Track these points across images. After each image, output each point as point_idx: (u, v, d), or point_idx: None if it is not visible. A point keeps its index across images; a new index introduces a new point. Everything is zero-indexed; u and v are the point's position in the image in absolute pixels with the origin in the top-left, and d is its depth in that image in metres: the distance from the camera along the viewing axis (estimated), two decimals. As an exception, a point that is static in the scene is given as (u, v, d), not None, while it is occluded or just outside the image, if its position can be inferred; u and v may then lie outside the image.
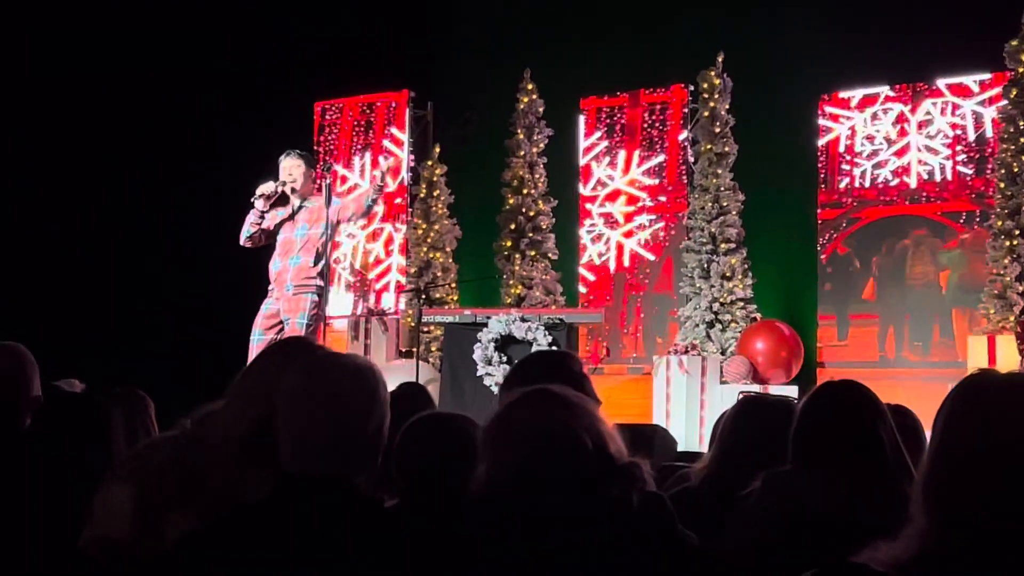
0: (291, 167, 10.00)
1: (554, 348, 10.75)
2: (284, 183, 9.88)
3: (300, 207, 9.94)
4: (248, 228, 10.04)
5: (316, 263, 9.72)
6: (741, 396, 4.26)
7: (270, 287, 9.98)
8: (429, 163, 14.54)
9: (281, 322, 9.77)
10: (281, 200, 9.96)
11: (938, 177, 12.27)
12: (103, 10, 14.68)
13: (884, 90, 12.65)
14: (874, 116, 12.66)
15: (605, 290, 13.89)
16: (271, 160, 15.18)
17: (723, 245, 12.69)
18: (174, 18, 15.41)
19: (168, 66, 15.42)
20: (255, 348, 9.60)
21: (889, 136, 12.52)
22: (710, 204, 12.75)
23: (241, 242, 10.22)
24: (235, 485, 2.97)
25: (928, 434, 2.32)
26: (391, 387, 3.54)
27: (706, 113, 12.97)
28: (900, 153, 12.48)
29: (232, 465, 3.04)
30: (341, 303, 14.84)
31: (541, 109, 14.12)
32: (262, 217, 9.95)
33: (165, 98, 15.32)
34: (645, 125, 13.86)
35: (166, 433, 3.43)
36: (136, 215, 15.34)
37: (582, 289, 14.04)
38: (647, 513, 2.84)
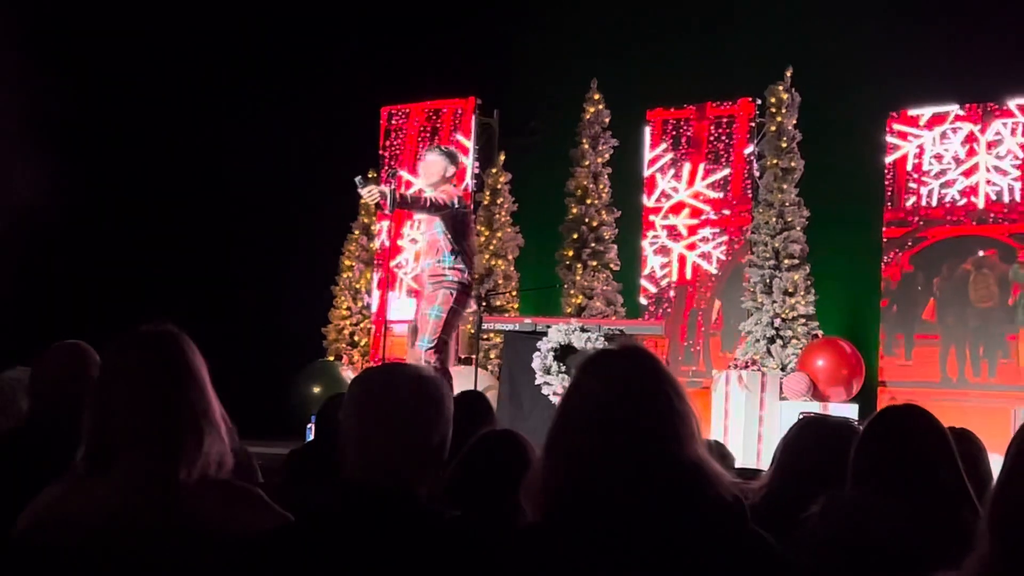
0: (429, 163, 9.88)
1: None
2: (383, 194, 9.49)
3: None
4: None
5: (442, 262, 9.58)
6: (801, 416, 4.22)
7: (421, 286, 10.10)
8: (493, 170, 14.58)
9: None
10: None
11: (1007, 198, 12.17)
12: (165, 16, 14.81)
13: (954, 109, 12.55)
14: (943, 135, 12.56)
15: (666, 302, 13.84)
16: (338, 163, 15.32)
17: (786, 261, 12.63)
18: (243, 22, 15.53)
19: (236, 69, 15.54)
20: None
21: (957, 156, 12.42)
22: (774, 219, 12.70)
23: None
24: None
25: (991, 458, 2.30)
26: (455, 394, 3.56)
27: (773, 128, 12.93)
28: (968, 173, 12.38)
29: None
30: (402, 308, 14.87)
31: (607, 119, 14.12)
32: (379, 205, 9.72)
33: (232, 102, 15.43)
34: (711, 138, 13.82)
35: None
36: (208, 222, 15.44)
37: (643, 300, 14.01)
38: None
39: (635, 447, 2.61)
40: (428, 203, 9.44)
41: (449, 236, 9.49)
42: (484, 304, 12.83)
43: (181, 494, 2.83)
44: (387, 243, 14.80)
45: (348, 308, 15.59)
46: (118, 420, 2.94)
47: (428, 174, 9.65)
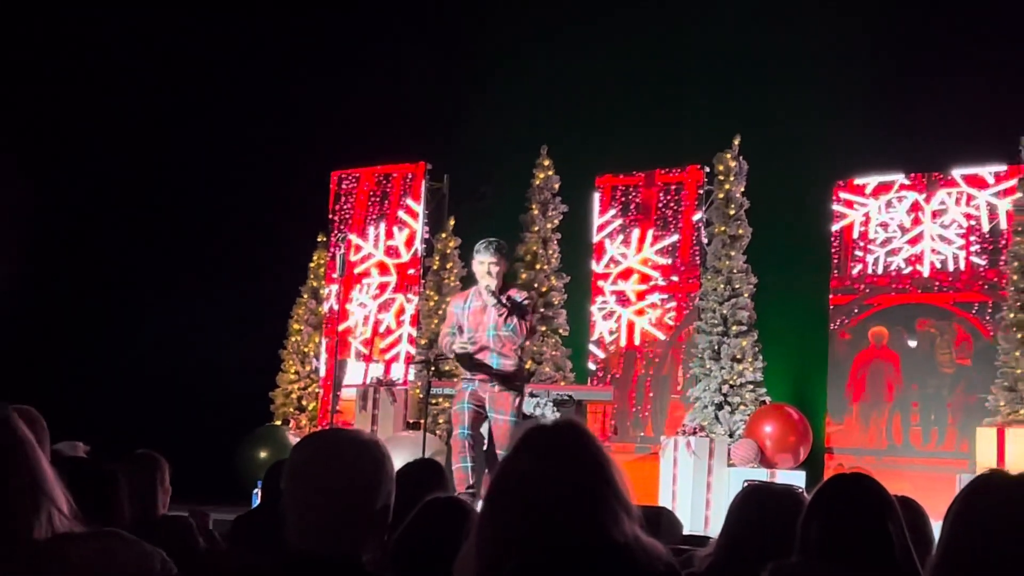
0: (489, 263, 9.30)
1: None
2: (492, 290, 9.22)
3: (499, 300, 9.27)
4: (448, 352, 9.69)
5: (516, 366, 9.36)
6: (746, 484, 4.23)
7: (469, 376, 9.44)
8: (443, 235, 14.59)
9: (484, 411, 9.33)
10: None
11: (951, 267, 12.28)
12: (111, 77, 14.82)
13: (899, 178, 12.69)
14: (888, 204, 12.69)
15: (614, 368, 13.86)
16: (287, 226, 15.32)
17: (734, 327, 12.68)
18: (192, 86, 15.57)
19: (186, 132, 15.55)
20: (463, 413, 9.28)
21: (903, 224, 12.54)
22: (722, 286, 12.76)
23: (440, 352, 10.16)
24: None
25: (935, 526, 2.31)
26: (397, 457, 3.54)
27: (721, 195, 13.01)
28: (913, 242, 12.49)
29: None
30: (351, 373, 14.83)
31: (557, 185, 14.17)
32: (462, 332, 9.42)
33: (182, 165, 15.44)
34: (660, 204, 13.89)
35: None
36: (156, 283, 15.40)
37: (592, 366, 14.02)
38: None
39: (564, 528, 2.60)
40: (529, 323, 9.50)
41: (522, 336, 9.39)
42: (433, 369, 12.79)
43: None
44: (336, 307, 14.77)
45: (296, 372, 15.53)
46: None
47: (493, 274, 9.26)
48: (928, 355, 12.30)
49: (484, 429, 9.35)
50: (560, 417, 3.08)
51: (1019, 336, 11.12)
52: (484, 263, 9.32)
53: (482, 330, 9.31)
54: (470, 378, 9.40)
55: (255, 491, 11.01)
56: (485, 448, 9.36)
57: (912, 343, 12.35)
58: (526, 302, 9.39)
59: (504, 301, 9.21)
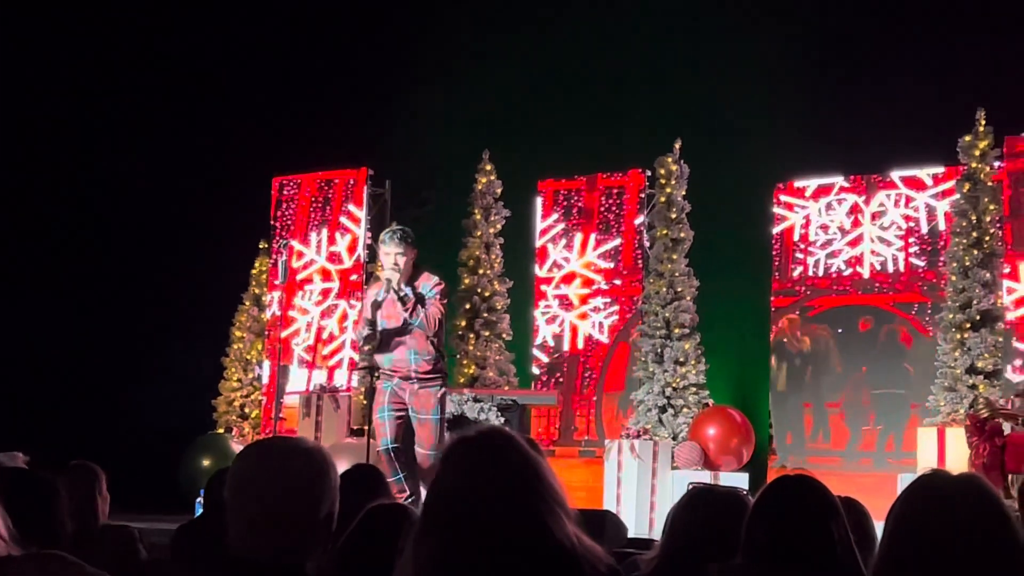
0: (395, 253, 9.11)
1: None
2: (392, 285, 9.07)
3: (401, 295, 9.08)
4: (364, 342, 9.52)
5: (435, 360, 9.12)
6: (691, 486, 4.24)
7: (390, 373, 9.21)
8: (385, 241, 14.53)
9: (406, 411, 9.14)
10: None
11: (891, 268, 12.38)
12: (47, 77, 14.71)
13: (839, 180, 12.77)
14: (828, 206, 12.77)
15: (558, 372, 13.87)
16: (229, 233, 15.25)
17: (677, 330, 12.71)
18: (130, 91, 15.46)
19: (125, 138, 15.45)
20: (384, 424, 9.10)
21: (843, 226, 12.64)
22: (665, 289, 12.80)
23: (362, 349, 9.89)
24: None
25: (879, 527, 2.33)
26: (342, 464, 3.52)
27: (662, 199, 13.05)
28: (853, 243, 12.58)
29: None
30: (294, 379, 14.75)
31: (499, 190, 14.17)
32: (374, 326, 9.16)
33: (122, 171, 15.32)
34: (602, 209, 13.92)
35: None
36: (96, 291, 15.28)
37: (535, 370, 14.03)
38: None
39: (499, 539, 2.57)
40: (434, 320, 9.09)
41: (432, 328, 9.11)
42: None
43: None
44: (278, 313, 14.69)
45: (239, 380, 15.43)
46: None
47: (401, 269, 9.06)
48: (860, 358, 12.41)
49: (410, 430, 9.15)
50: (484, 425, 3.03)
51: (958, 336, 11.22)
52: (390, 254, 9.12)
53: (395, 323, 9.10)
54: (389, 374, 9.20)
55: (198, 500, 10.95)
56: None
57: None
58: (435, 289, 9.11)
59: (406, 294, 8.97)
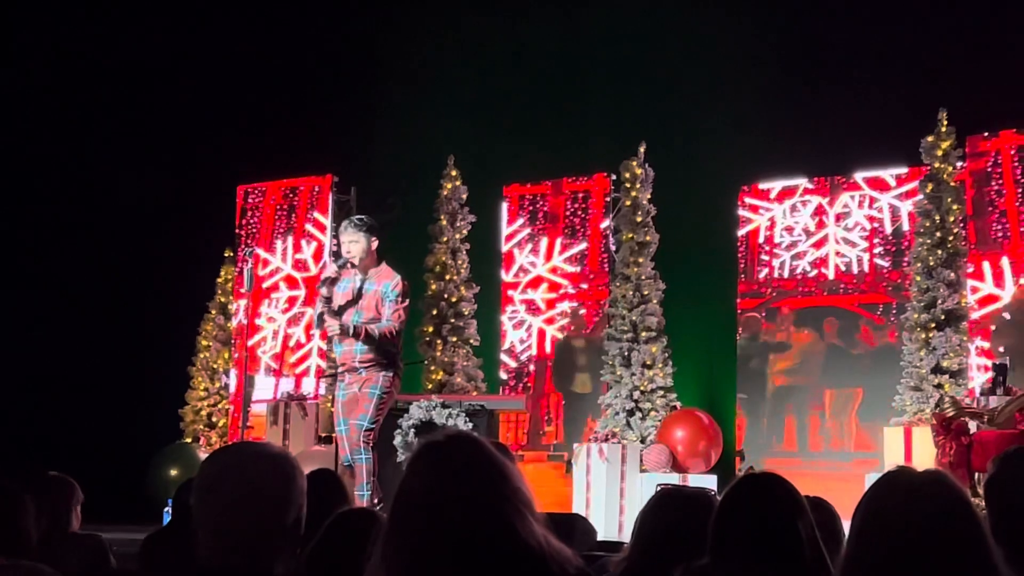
0: (349, 241, 9.09)
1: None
2: (344, 263, 9.11)
3: (361, 289, 9.08)
4: (320, 323, 9.23)
5: (379, 348, 8.99)
6: (659, 488, 4.25)
7: (341, 369, 9.23)
8: (351, 248, 14.50)
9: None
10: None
11: (856, 269, 12.44)
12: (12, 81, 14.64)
13: (803, 182, 12.83)
14: (793, 208, 12.83)
15: (526, 376, 13.88)
16: (194, 241, 15.20)
17: (644, 333, 12.73)
18: (94, 99, 15.39)
19: (88, 146, 15.38)
20: (342, 437, 9.02)
21: (808, 228, 12.70)
22: (631, 292, 12.81)
23: (320, 336, 9.75)
24: None
25: (846, 527, 2.33)
26: (309, 471, 3.51)
27: (628, 202, 13.07)
28: (818, 245, 12.64)
29: None
30: (261, 387, 14.71)
31: (464, 196, 14.15)
32: (328, 303, 9.11)
33: (85, 180, 15.26)
34: (567, 213, 13.94)
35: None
36: (60, 299, 15.21)
37: (503, 375, 14.03)
38: None
39: (467, 543, 2.56)
40: (389, 335, 9.01)
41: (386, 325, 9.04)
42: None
43: None
44: (244, 322, 14.65)
45: (205, 389, 15.39)
46: None
47: (354, 252, 9.03)
48: (826, 357, 12.47)
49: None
50: (450, 429, 3.01)
51: (923, 336, 11.28)
52: (345, 243, 9.09)
53: (348, 315, 9.02)
54: (341, 372, 9.16)
55: (165, 509, 10.90)
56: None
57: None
58: (396, 289, 9.03)
59: (349, 330, 8.90)
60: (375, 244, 9.11)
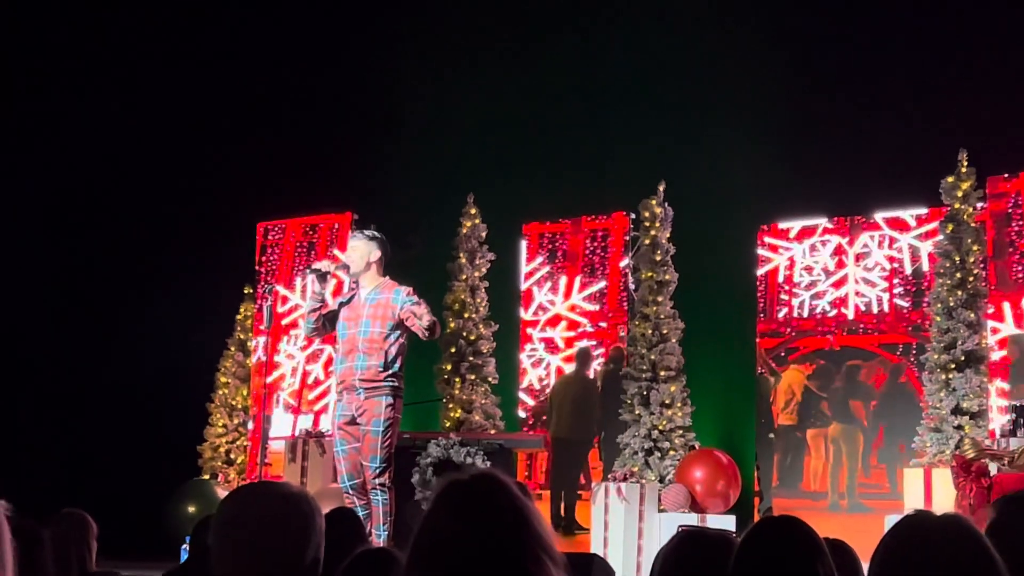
0: (350, 248, 9.07)
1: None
2: (337, 266, 9.09)
3: (366, 300, 8.91)
4: (308, 320, 9.09)
5: (385, 368, 8.76)
6: (680, 529, 4.23)
7: (339, 388, 9.03)
8: (371, 285, 14.53)
9: (358, 441, 8.82)
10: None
11: (875, 309, 12.42)
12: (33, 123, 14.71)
13: (822, 222, 12.83)
14: (812, 247, 12.82)
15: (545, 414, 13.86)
16: (214, 278, 15.24)
17: (663, 372, 12.69)
18: (116, 137, 15.47)
19: (109, 186, 15.46)
20: (341, 460, 8.86)
21: (827, 267, 12.69)
22: (650, 331, 12.79)
23: (304, 336, 9.61)
24: None
25: (865, 568, 2.32)
26: (327, 510, 3.51)
27: (647, 241, 13.06)
28: (838, 284, 12.62)
29: None
30: (280, 424, 14.72)
31: (484, 234, 14.15)
32: (321, 301, 9.01)
33: (105, 220, 15.33)
34: (587, 251, 13.96)
35: None
36: (81, 337, 15.26)
37: (521, 413, 14.01)
38: None
39: None
40: (434, 323, 8.81)
41: (393, 341, 8.87)
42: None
43: None
44: (264, 358, 14.67)
45: (224, 425, 15.39)
46: None
47: (352, 260, 8.97)
48: (852, 395, 12.44)
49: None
50: (474, 468, 3.01)
51: (943, 377, 11.23)
52: (347, 250, 9.09)
53: (354, 327, 8.89)
54: (339, 390, 9.00)
55: (183, 547, 10.89)
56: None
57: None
58: (410, 296, 8.89)
59: (319, 269, 8.91)
60: (376, 255, 8.99)
